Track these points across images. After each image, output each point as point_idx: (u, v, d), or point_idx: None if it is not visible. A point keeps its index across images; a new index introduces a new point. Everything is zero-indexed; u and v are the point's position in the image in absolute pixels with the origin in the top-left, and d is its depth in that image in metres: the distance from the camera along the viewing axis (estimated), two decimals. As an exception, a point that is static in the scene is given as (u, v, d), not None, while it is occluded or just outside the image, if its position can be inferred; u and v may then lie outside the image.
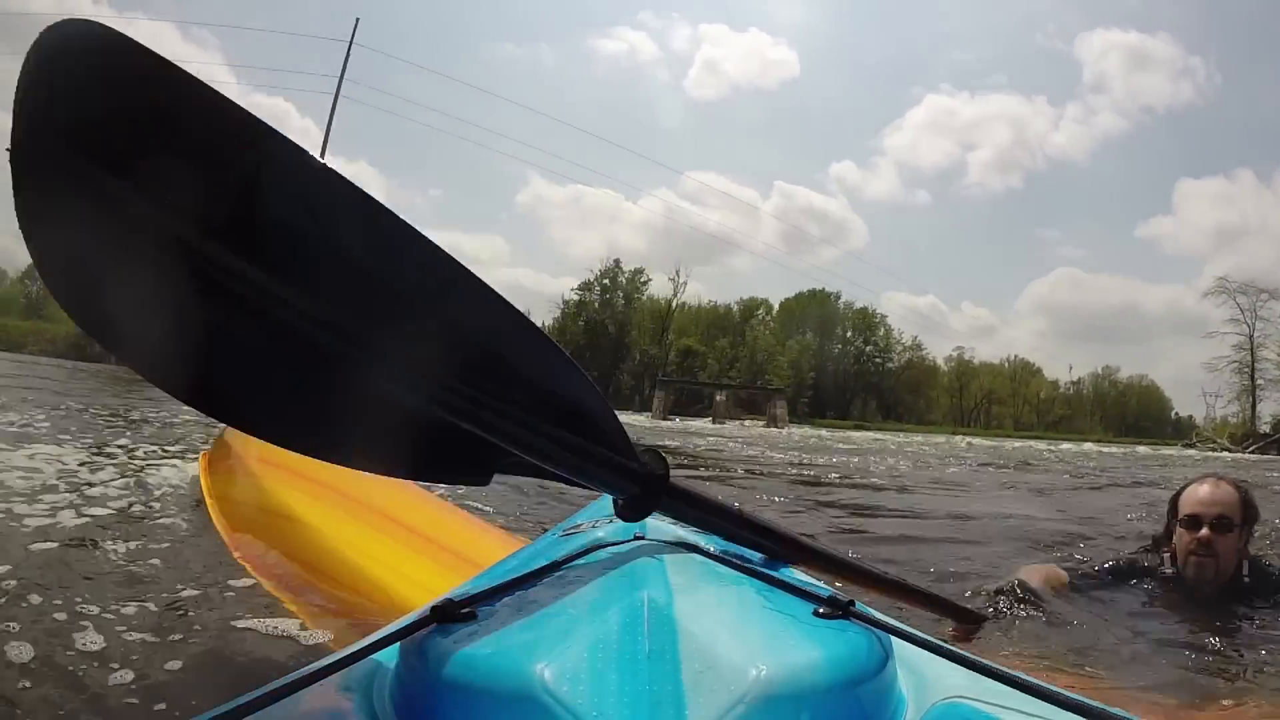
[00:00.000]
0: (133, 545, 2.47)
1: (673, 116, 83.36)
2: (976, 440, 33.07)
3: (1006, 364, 63.89)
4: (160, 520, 2.94)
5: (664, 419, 33.62)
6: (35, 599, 1.90)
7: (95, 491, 3.25)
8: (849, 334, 60.64)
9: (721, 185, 77.44)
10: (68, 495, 3.12)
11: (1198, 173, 76.63)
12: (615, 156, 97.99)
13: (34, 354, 30.68)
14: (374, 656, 0.66)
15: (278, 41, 78.45)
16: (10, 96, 0.71)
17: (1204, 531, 2.35)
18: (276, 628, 1.88)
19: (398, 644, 0.65)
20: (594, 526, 1.05)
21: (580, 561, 0.83)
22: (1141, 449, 33.30)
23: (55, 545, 2.40)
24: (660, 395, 39.52)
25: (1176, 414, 62.02)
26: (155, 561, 2.33)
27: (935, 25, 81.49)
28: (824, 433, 31.41)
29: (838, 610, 0.68)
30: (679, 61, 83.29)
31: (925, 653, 0.67)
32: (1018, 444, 32.34)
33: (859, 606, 0.68)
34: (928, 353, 62.10)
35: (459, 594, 0.71)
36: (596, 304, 53.01)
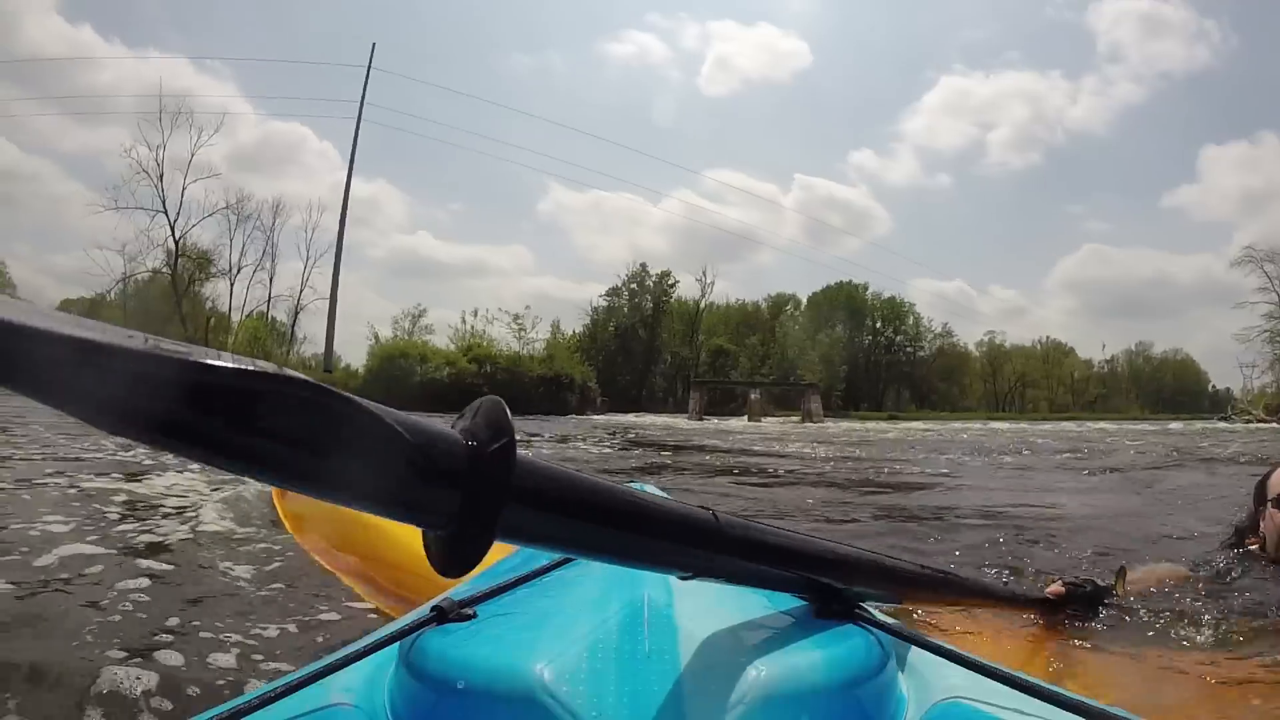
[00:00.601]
0: (230, 553, 3.01)
1: (688, 116, 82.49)
2: (1016, 425, 32.92)
3: (1038, 345, 63.45)
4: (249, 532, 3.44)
5: (700, 419, 34.07)
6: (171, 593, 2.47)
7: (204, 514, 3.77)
8: (878, 324, 60.54)
9: (741, 182, 77.31)
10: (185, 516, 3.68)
11: (1220, 138, 75.49)
12: (633, 160, 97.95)
13: None
14: (374, 656, 0.67)
15: (289, 68, 79.68)
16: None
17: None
18: (351, 608, 2.33)
19: (398, 644, 0.66)
20: None
21: (580, 561, 0.84)
22: (1174, 425, 33.24)
23: (171, 565, 2.86)
24: (695, 396, 40.01)
25: (1214, 387, 61.50)
26: (252, 568, 2.82)
27: (944, 5, 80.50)
28: (867, 425, 31.55)
29: (838, 611, 0.69)
30: (690, 60, 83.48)
31: (926, 653, 0.68)
32: (1057, 425, 32.14)
33: (860, 607, 0.70)
34: (958, 339, 61.87)
35: (459, 594, 0.73)
36: (625, 309, 53.39)
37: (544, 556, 0.86)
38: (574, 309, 66.95)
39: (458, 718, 0.57)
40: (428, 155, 70.95)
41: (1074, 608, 1.73)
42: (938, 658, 0.66)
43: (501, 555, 1.11)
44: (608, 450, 10.68)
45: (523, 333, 43.28)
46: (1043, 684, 0.60)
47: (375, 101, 46.25)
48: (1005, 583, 1.30)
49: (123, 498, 4.09)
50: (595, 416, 32.76)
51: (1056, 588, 1.81)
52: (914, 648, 0.68)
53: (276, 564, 2.85)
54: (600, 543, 0.53)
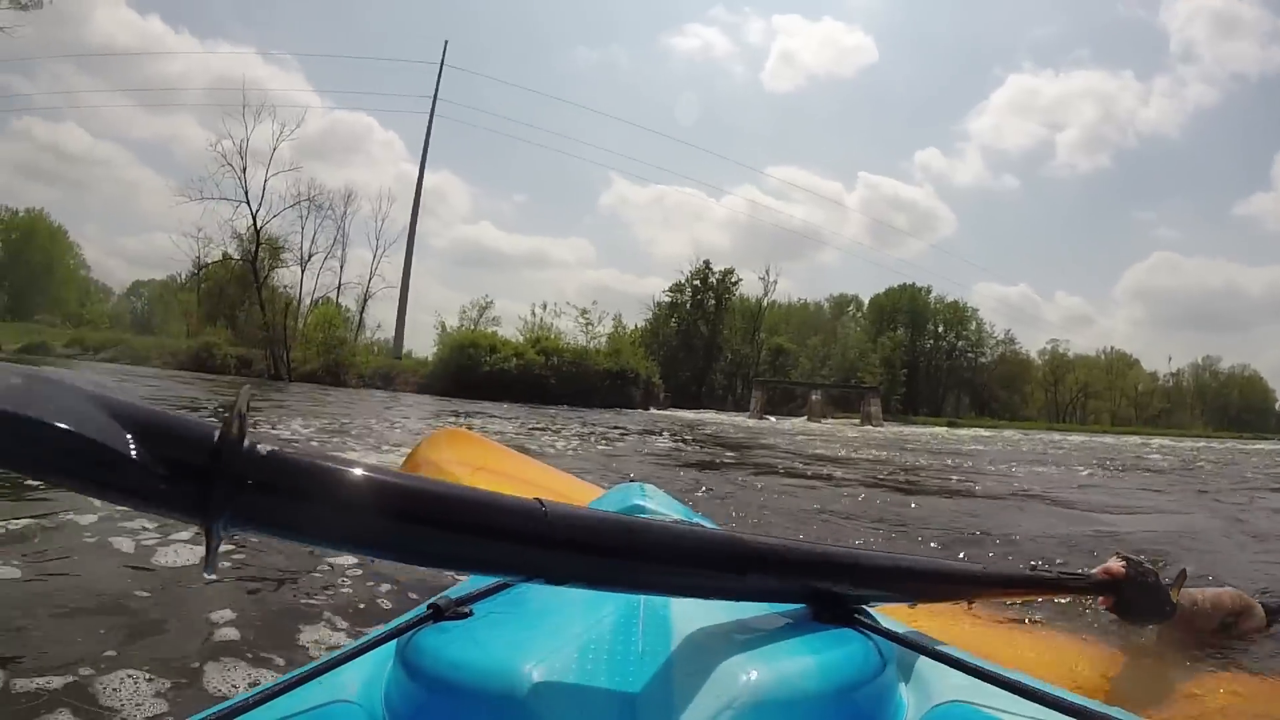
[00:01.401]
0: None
1: (751, 111, 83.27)
2: (1078, 437, 32.33)
3: (1103, 356, 62.73)
4: None
5: (760, 418, 33.97)
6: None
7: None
8: (940, 329, 60.09)
9: (804, 179, 78.19)
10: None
11: (1297, 143, 73.88)
12: (696, 155, 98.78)
13: (158, 367, 32.53)
14: (371, 654, 0.68)
15: (353, 60, 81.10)
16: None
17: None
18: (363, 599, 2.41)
19: (394, 641, 0.67)
20: None
21: None
22: (1221, 443, 32.43)
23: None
24: (757, 395, 39.98)
25: (1280, 405, 60.00)
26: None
27: (1014, 1, 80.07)
28: (931, 430, 31.21)
29: (837, 615, 0.69)
30: (754, 55, 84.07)
31: (925, 658, 0.69)
32: (1120, 439, 31.60)
33: (859, 611, 0.70)
34: (1020, 346, 61.31)
35: (456, 593, 0.73)
36: (689, 305, 53.51)
37: None
38: (634, 302, 67.39)
39: (453, 715, 0.57)
40: (492, 147, 72.35)
41: (1132, 595, 1.42)
42: (937, 662, 0.67)
43: None
44: (682, 445, 10.77)
45: (590, 326, 43.71)
46: (1043, 688, 0.60)
47: (442, 95, 47.17)
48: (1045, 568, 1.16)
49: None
50: (658, 412, 32.80)
51: (1115, 564, 1.45)
52: (913, 652, 0.68)
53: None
54: (371, 536, 0.50)
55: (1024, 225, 79.71)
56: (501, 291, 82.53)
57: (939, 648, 0.68)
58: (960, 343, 60.12)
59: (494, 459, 3.48)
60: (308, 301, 41.42)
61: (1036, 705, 0.59)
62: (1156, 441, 29.50)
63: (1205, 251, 77.65)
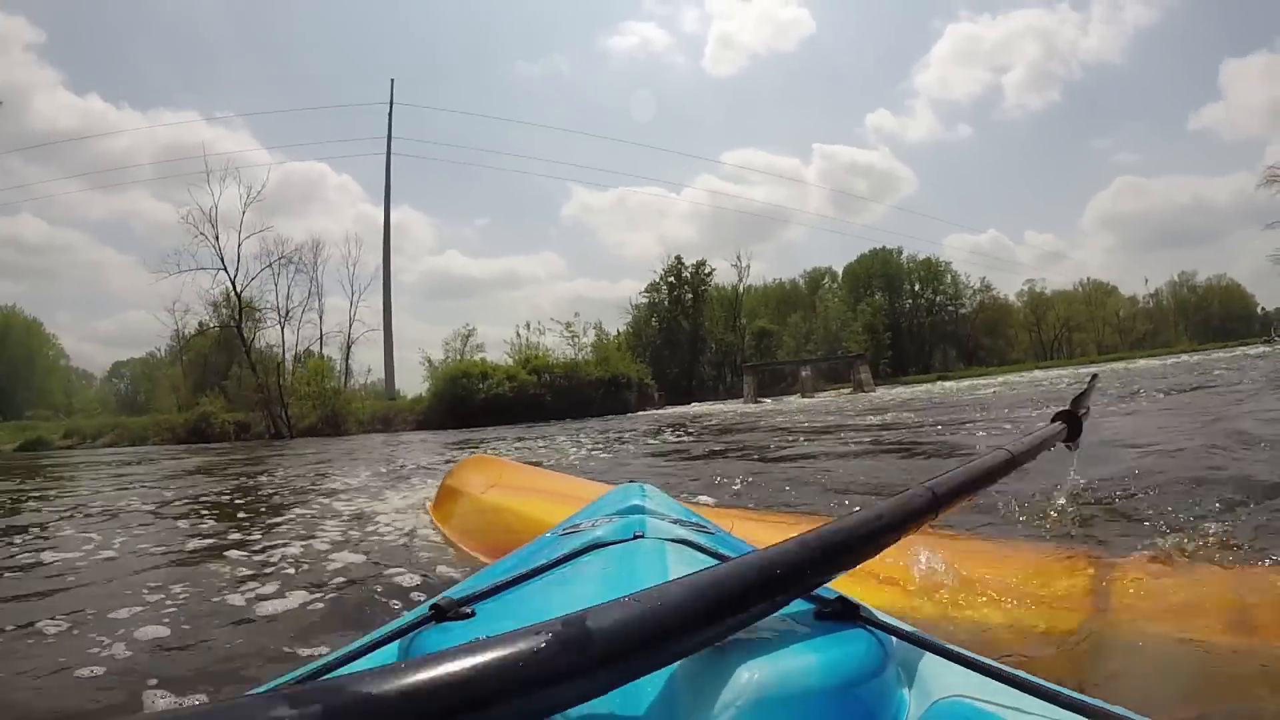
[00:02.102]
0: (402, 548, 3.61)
1: (698, 100, 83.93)
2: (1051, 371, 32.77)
3: (1080, 288, 63.61)
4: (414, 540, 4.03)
5: (755, 403, 34.35)
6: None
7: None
8: (917, 287, 61.04)
9: (761, 160, 78.60)
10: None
11: (1240, 50, 75.43)
12: (652, 152, 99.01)
13: (156, 444, 32.87)
14: (374, 654, 0.67)
15: (297, 110, 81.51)
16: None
17: None
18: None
19: (397, 641, 0.67)
20: (593, 526, 1.07)
21: (579, 560, 0.86)
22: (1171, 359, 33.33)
23: (363, 558, 3.46)
24: (749, 381, 40.59)
25: (1263, 309, 60.92)
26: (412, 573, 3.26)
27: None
28: (919, 389, 31.55)
29: (839, 612, 0.69)
30: (693, 43, 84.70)
31: (927, 653, 0.69)
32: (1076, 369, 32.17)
33: (861, 607, 0.70)
34: (998, 291, 62.16)
35: (458, 592, 0.74)
36: (666, 303, 54.33)
37: (543, 555, 0.89)
38: (612, 307, 67.45)
39: None
40: (448, 176, 72.65)
41: (1079, 424, 1.51)
42: (939, 658, 0.68)
43: (501, 555, 1.22)
44: (688, 439, 11.08)
45: (576, 339, 44.49)
46: (1044, 683, 0.61)
47: (394, 133, 47.84)
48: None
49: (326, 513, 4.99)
50: (654, 411, 33.53)
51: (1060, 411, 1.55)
52: (915, 647, 0.69)
53: (433, 550, 3.55)
54: None
55: (984, 172, 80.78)
56: (478, 317, 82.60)
57: (941, 643, 0.69)
58: (938, 298, 61.08)
59: (507, 475, 3.99)
60: (289, 356, 41.94)
61: (1039, 700, 0.60)
62: (1122, 365, 30.24)
63: (1166, 170, 79.90)
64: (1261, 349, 30.31)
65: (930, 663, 0.69)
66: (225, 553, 3.62)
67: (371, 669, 0.43)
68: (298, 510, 5.33)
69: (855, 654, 0.62)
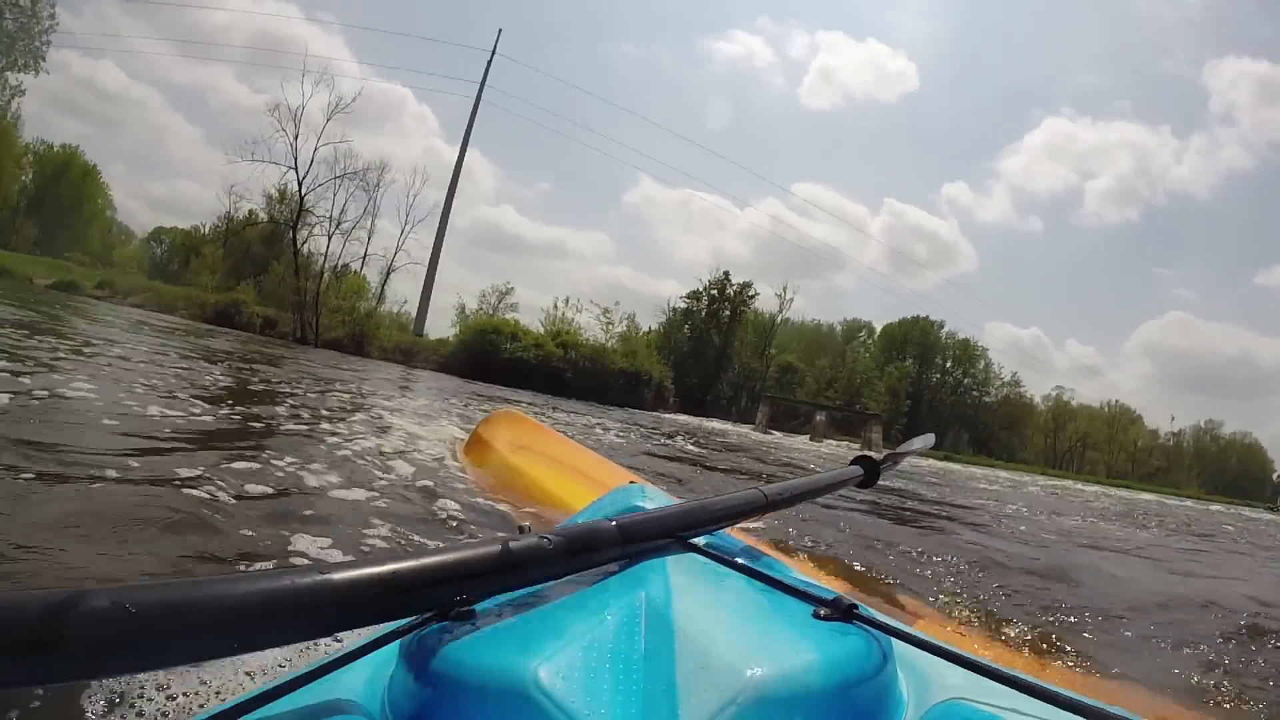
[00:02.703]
0: (431, 485, 3.86)
1: (785, 124, 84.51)
2: (1062, 481, 33.03)
3: (1106, 408, 63.73)
4: (444, 473, 4.38)
5: (765, 432, 35.10)
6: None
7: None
8: (949, 364, 61.38)
9: (830, 199, 79.18)
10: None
11: (1325, 218, 74.35)
12: (726, 162, 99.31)
13: (184, 317, 33.86)
14: (375, 653, 0.68)
15: (392, 25, 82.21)
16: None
17: None
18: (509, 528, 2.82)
19: (398, 641, 0.67)
20: None
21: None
22: (1215, 507, 33.29)
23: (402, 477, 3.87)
24: (764, 409, 41.27)
25: (1278, 475, 60.86)
26: (450, 504, 3.49)
27: (1061, 45, 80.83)
28: (932, 464, 31.69)
29: (838, 612, 0.70)
30: (794, 68, 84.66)
31: (925, 654, 0.69)
32: (1101, 489, 32.31)
33: (861, 609, 0.71)
34: (1026, 390, 62.43)
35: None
36: (704, 314, 54.88)
37: None
38: (646, 302, 68.05)
39: (456, 715, 0.59)
40: (522, 131, 73.23)
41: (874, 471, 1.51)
42: (937, 658, 0.68)
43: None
44: (703, 450, 11.52)
45: (610, 326, 45.11)
46: (1042, 684, 0.61)
47: (474, 76, 48.34)
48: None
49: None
50: (667, 415, 33.83)
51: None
52: (913, 648, 0.70)
53: (459, 496, 3.70)
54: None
55: (1044, 269, 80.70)
56: (516, 277, 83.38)
57: (940, 643, 0.69)
58: (966, 380, 61.43)
59: (539, 440, 4.17)
60: (328, 267, 42.57)
61: (1037, 701, 0.61)
62: (1142, 496, 30.57)
63: (1221, 317, 78.51)
64: (1264, 514, 30.54)
65: (929, 663, 0.71)
66: (273, 450, 3.96)
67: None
68: (341, 424, 5.77)
69: (854, 654, 0.63)
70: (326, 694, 0.66)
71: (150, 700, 1.48)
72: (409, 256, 45.03)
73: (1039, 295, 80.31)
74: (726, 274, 55.63)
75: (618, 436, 11.42)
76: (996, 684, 0.63)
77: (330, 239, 41.67)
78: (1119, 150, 75.45)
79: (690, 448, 11.79)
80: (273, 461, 3.66)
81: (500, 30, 48.30)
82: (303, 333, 36.33)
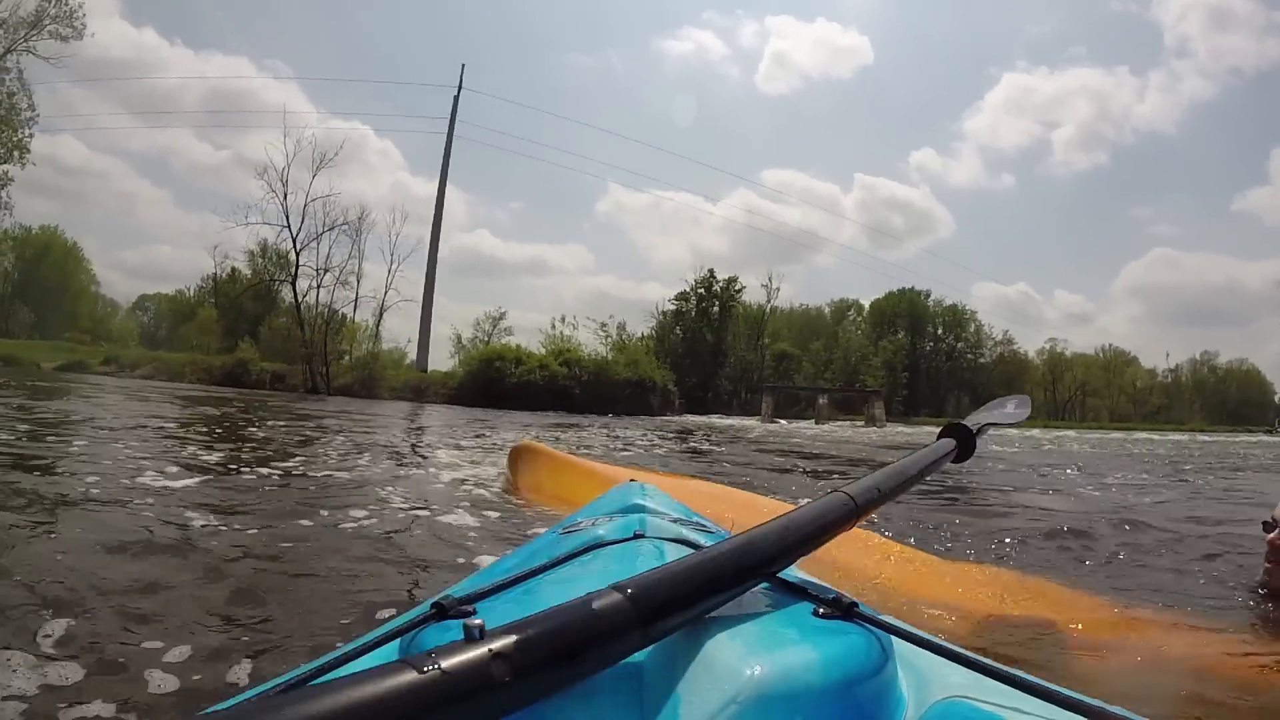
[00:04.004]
0: (479, 499, 4.47)
1: (746, 114, 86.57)
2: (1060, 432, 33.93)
3: (1101, 354, 65.46)
4: (491, 487, 5.09)
5: (771, 422, 36.47)
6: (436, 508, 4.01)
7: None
8: (940, 331, 63.38)
9: (801, 182, 79.93)
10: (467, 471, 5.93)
11: (1294, 137, 75.11)
12: (693, 160, 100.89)
13: (192, 382, 35.36)
14: (375, 652, 0.69)
15: (342, 68, 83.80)
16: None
17: (1271, 535, 2.37)
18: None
19: (398, 640, 0.69)
20: (594, 525, 1.10)
21: (580, 559, 0.88)
22: (1202, 436, 34.80)
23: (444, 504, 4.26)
24: (767, 400, 42.95)
25: (1280, 397, 62.08)
26: (492, 514, 4.04)
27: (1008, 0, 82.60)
28: (928, 429, 32.45)
29: (838, 611, 0.70)
30: (748, 58, 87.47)
31: (926, 652, 0.70)
32: (1103, 435, 33.44)
33: (861, 607, 0.71)
34: (1019, 346, 64.47)
35: (459, 591, 0.75)
36: (693, 314, 56.64)
37: (544, 554, 0.94)
38: (633, 308, 69.20)
39: None
40: (488, 155, 74.69)
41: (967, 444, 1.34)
42: (938, 657, 0.69)
43: (501, 555, 1.30)
44: (721, 448, 12.06)
45: (609, 338, 47.02)
46: (1043, 683, 0.62)
47: (442, 109, 49.73)
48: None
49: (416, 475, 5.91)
50: (675, 418, 35.68)
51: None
52: (914, 646, 0.70)
53: (509, 506, 4.26)
54: None
55: (1022, 224, 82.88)
56: (501, 299, 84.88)
57: (940, 642, 0.70)
58: (959, 344, 63.40)
59: (557, 466, 4.73)
60: (316, 315, 44.19)
61: (1036, 700, 0.61)
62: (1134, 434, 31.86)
63: (1203, 247, 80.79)
64: (1260, 437, 31.86)
65: (929, 662, 0.72)
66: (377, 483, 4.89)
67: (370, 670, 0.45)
68: (390, 460, 6.73)
69: (854, 652, 0.64)
70: None
71: (151, 701, 1.50)
72: (399, 294, 46.87)
73: (1021, 251, 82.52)
74: (711, 271, 57.45)
75: (641, 444, 12.17)
76: (997, 683, 0.64)
77: (319, 289, 43.46)
78: (1079, 97, 77.48)
79: (711, 446, 12.58)
80: (391, 498, 4.38)
81: (464, 65, 50.02)
82: (313, 383, 38.13)
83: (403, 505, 4.15)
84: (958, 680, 0.68)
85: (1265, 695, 1.76)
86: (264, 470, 5.30)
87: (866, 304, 64.32)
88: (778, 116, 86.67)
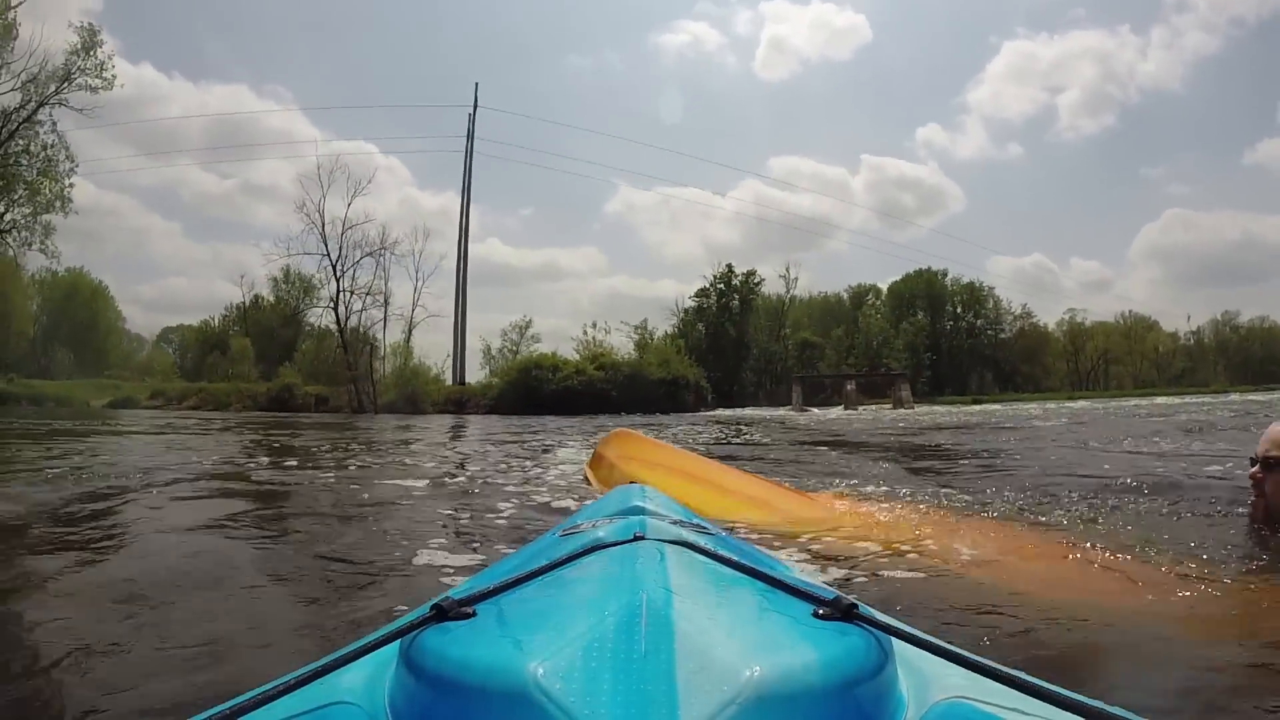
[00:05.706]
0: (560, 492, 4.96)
1: (749, 103, 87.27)
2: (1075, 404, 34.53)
3: (1121, 320, 66.29)
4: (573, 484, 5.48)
5: (803, 410, 38.61)
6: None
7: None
8: (959, 310, 65.11)
9: (808, 168, 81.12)
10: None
11: (1303, 85, 74.18)
12: (699, 154, 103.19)
13: (238, 410, 37.31)
14: (375, 654, 0.72)
15: (344, 90, 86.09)
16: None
17: (1253, 469, 2.47)
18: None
19: (398, 641, 0.70)
20: (594, 527, 1.13)
21: (580, 561, 0.90)
22: (1187, 398, 35.24)
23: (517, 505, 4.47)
24: (797, 389, 45.21)
25: (1305, 354, 61.97)
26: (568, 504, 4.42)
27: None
28: (959, 409, 33.88)
29: (838, 612, 0.71)
30: (745, 45, 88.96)
31: (926, 653, 0.72)
32: (1103, 404, 33.73)
33: (861, 608, 0.72)
34: (1038, 319, 65.77)
35: (459, 593, 0.77)
36: (714, 309, 58.78)
37: (544, 556, 0.96)
38: (650, 306, 70.37)
39: (456, 715, 0.60)
40: (493, 163, 76.24)
41: None
42: (938, 658, 0.70)
43: (501, 555, 1.37)
44: (767, 440, 12.45)
45: (643, 338, 49.26)
46: (1043, 684, 0.63)
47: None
48: None
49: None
50: (709, 413, 37.52)
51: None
52: (914, 647, 0.71)
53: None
54: None
55: (1033, 193, 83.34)
56: (517, 306, 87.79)
57: (941, 643, 0.71)
58: (979, 321, 65.03)
59: (648, 451, 4.93)
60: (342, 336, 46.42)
61: (1036, 700, 0.63)
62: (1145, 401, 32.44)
63: (1218, 204, 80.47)
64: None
65: (929, 663, 0.74)
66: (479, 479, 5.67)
67: None
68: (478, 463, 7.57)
69: (853, 653, 0.65)
70: (326, 695, 0.71)
71: (150, 699, 1.58)
72: (426, 311, 49.14)
73: (1034, 221, 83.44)
74: (730, 266, 59.55)
75: (699, 438, 12.83)
76: (997, 684, 0.65)
77: (362, 312, 45.70)
78: (1082, 59, 78.03)
79: (764, 438, 13.02)
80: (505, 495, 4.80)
81: (477, 84, 51.34)
82: (360, 403, 40.33)
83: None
84: (958, 681, 0.72)
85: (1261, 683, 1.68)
86: (462, 479, 6.09)
87: (884, 287, 66.05)
88: (779, 103, 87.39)
